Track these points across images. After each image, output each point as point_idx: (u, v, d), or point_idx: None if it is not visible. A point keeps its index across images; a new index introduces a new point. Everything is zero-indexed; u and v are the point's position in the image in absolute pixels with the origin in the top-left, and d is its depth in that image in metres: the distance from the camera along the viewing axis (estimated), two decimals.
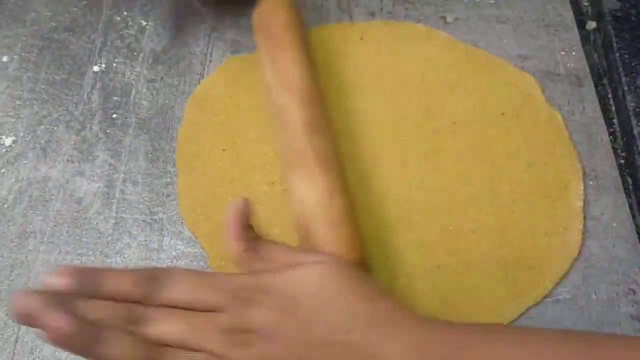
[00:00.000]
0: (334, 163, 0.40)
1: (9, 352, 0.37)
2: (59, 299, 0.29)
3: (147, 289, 0.31)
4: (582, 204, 0.44)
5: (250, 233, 0.35)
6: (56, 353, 0.37)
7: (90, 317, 0.29)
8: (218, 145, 0.45)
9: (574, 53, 0.52)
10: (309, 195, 0.38)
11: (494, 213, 0.43)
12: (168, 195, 0.43)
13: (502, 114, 0.48)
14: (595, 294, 0.41)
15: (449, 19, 0.53)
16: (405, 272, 0.41)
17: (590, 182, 0.45)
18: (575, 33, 0.53)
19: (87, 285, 0.30)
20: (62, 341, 0.28)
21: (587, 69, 0.51)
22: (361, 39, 0.51)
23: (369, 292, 0.32)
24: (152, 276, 0.31)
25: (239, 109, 0.47)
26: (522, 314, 0.40)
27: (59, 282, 0.29)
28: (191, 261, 0.41)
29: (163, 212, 0.43)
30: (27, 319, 0.28)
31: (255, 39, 0.47)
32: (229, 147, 0.45)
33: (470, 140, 0.46)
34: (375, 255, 0.41)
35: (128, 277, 0.31)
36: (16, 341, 0.38)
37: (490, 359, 0.30)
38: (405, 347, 0.30)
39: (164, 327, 0.30)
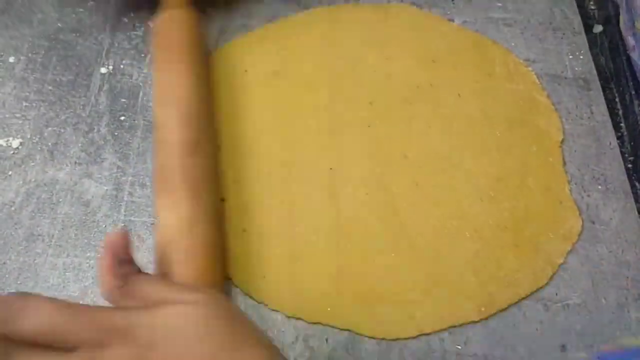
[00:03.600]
0: (206, 187, 0.39)
1: None
2: None
3: (3, 316, 0.27)
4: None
5: (125, 267, 0.31)
6: None
7: None
8: None
9: (581, 57, 0.52)
10: (171, 220, 0.37)
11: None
12: None
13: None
14: (605, 299, 0.41)
15: (457, 22, 0.53)
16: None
17: (599, 187, 0.45)
18: (582, 36, 0.53)
19: None
20: None
21: (595, 72, 0.51)
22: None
23: (238, 339, 0.30)
24: (9, 302, 0.27)
25: None
26: (531, 316, 0.40)
27: None
28: None
29: None
30: None
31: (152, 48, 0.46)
32: None
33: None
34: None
35: None
36: None
37: None
38: None
39: None
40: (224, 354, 0.29)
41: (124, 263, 0.31)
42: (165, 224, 0.37)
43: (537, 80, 0.50)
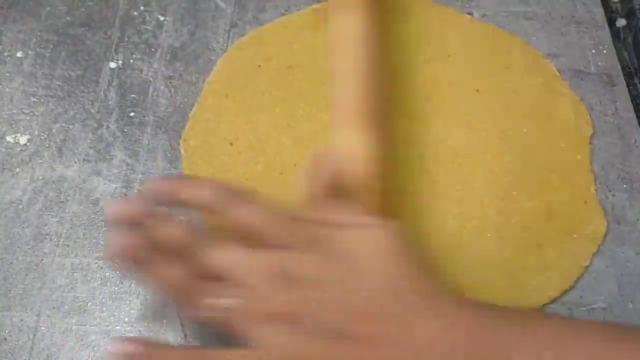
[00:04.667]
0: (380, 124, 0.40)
1: (24, 359, 0.36)
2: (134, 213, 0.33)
3: (222, 204, 0.33)
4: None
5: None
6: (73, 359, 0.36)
7: (157, 234, 0.33)
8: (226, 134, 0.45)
9: (604, 51, 0.50)
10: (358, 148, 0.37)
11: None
12: None
13: None
14: (631, 303, 0.39)
15: (475, 15, 0.51)
16: None
17: (625, 186, 0.43)
18: (605, 30, 0.51)
19: (168, 192, 0.34)
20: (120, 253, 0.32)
21: (619, 67, 0.49)
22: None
23: (417, 266, 0.32)
24: (231, 193, 0.33)
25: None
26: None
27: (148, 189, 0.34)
28: None
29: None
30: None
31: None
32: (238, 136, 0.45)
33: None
34: None
35: (208, 189, 0.33)
36: (32, 348, 0.36)
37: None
38: (437, 332, 0.30)
39: (218, 254, 0.32)
40: (407, 279, 0.31)
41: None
42: (341, 152, 0.37)
43: (557, 73, 0.48)
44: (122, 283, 0.39)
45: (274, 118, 0.45)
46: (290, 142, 0.44)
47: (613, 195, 0.43)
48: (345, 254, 0.31)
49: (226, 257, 0.32)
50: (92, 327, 0.37)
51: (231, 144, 0.44)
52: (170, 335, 0.37)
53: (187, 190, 0.33)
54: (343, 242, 0.32)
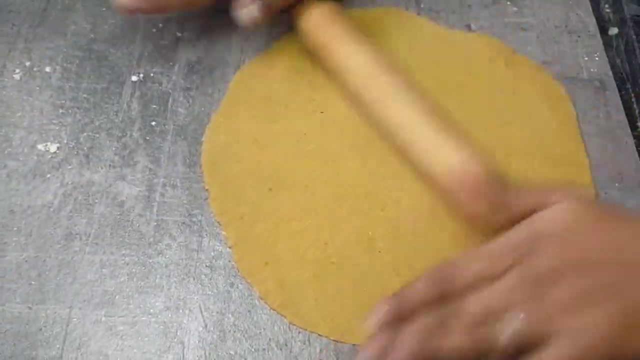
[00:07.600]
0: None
1: (58, 347, 0.39)
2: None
3: (440, 289, 0.34)
4: None
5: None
6: (103, 349, 0.39)
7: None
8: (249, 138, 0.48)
9: (597, 58, 0.53)
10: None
11: None
12: (206, 199, 0.45)
13: None
14: None
15: (473, 27, 0.54)
16: None
17: (617, 185, 0.46)
18: (597, 39, 0.54)
19: (397, 310, 0.34)
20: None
21: (611, 73, 0.52)
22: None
23: (621, 216, 0.37)
24: (441, 276, 0.35)
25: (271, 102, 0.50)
26: None
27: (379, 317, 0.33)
28: (229, 261, 0.42)
29: (201, 215, 0.44)
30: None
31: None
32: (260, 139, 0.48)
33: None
34: None
35: (423, 287, 0.34)
36: (65, 337, 0.39)
37: None
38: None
39: (468, 308, 0.33)
40: (622, 225, 0.35)
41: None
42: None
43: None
44: (147, 278, 0.42)
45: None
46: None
47: (605, 193, 0.46)
48: (558, 235, 0.35)
49: (475, 307, 0.33)
50: (120, 318, 0.40)
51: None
52: (192, 324, 0.40)
53: (410, 299, 0.34)
54: (551, 226, 0.35)
